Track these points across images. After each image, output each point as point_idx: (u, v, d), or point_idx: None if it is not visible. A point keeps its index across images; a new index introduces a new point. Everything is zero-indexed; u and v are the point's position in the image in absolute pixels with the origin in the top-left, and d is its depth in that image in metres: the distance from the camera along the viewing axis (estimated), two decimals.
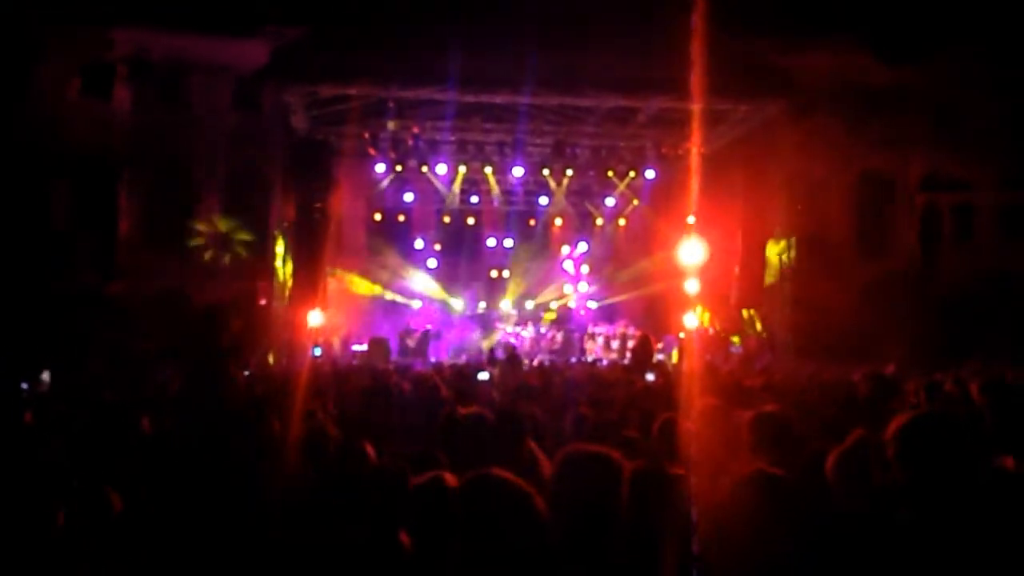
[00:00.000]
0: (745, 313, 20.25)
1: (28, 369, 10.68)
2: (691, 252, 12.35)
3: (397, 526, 3.15)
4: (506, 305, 24.47)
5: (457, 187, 23.12)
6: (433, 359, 20.41)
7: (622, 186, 23.66)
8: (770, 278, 19.76)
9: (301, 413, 5.33)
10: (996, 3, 15.20)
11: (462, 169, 22.09)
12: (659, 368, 13.65)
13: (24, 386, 9.78)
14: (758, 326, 19.89)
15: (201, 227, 17.39)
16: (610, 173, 22.33)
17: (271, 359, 17.19)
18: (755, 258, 20.12)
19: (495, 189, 23.28)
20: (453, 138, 21.21)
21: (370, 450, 4.48)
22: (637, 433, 5.16)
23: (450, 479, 3.12)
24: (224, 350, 14.87)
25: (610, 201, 24.43)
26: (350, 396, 8.48)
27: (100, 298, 15.59)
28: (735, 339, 20.07)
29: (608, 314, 23.99)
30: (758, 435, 4.25)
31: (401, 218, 24.34)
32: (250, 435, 4.66)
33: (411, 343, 21.27)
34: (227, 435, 4.28)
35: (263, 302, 17.97)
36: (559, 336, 22.77)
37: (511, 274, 25.07)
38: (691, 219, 15.18)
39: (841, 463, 3.89)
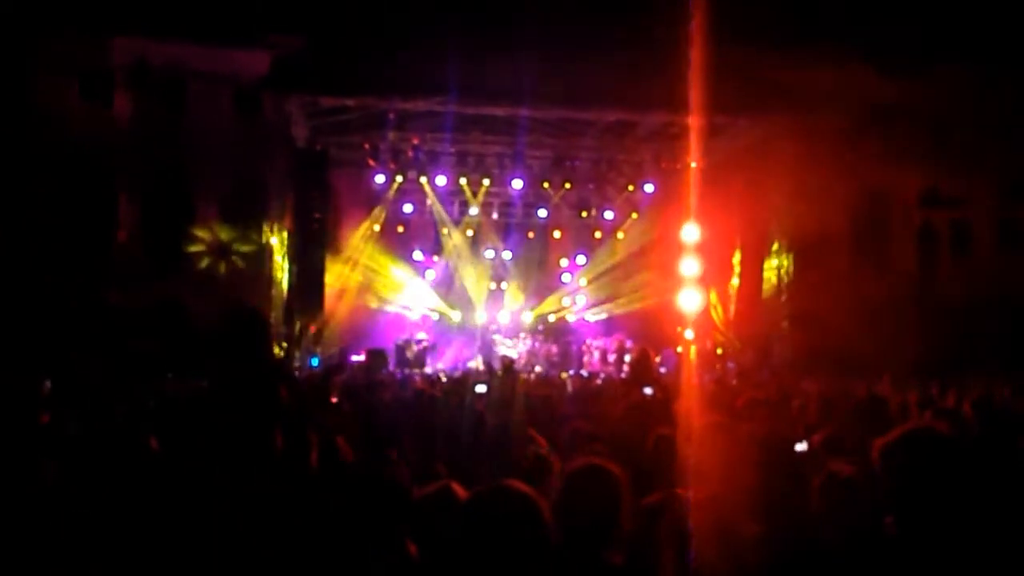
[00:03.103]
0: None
1: (27, 375, 10.63)
2: (690, 266, 12.37)
3: (404, 536, 3.16)
4: (504, 317, 24.46)
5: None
6: (430, 370, 20.39)
7: (620, 199, 23.75)
8: (768, 292, 19.79)
9: (303, 424, 5.31)
10: (995, 20, 15.29)
11: (463, 181, 22.18)
12: (659, 382, 13.63)
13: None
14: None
15: (200, 234, 17.38)
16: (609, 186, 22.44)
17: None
18: (753, 272, 20.17)
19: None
20: (453, 150, 21.27)
21: (373, 461, 4.49)
22: (634, 447, 5.15)
23: (458, 489, 3.13)
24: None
25: (609, 214, 24.49)
26: (350, 407, 8.46)
27: (97, 306, 15.58)
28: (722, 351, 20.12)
29: (606, 327, 23.99)
30: (766, 455, 4.26)
31: (400, 229, 24.35)
32: (255, 444, 4.63)
33: (410, 355, 21.24)
34: (237, 443, 4.27)
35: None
36: (556, 349, 22.76)
37: (509, 286, 25.08)
38: (690, 234, 15.21)
39: (824, 491, 3.91)
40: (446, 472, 4.49)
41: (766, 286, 19.82)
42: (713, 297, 20.78)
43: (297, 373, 16.58)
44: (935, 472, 2.79)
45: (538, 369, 21.32)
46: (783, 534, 3.28)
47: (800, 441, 5.73)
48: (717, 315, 20.94)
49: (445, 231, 24.26)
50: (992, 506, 3.11)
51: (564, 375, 18.46)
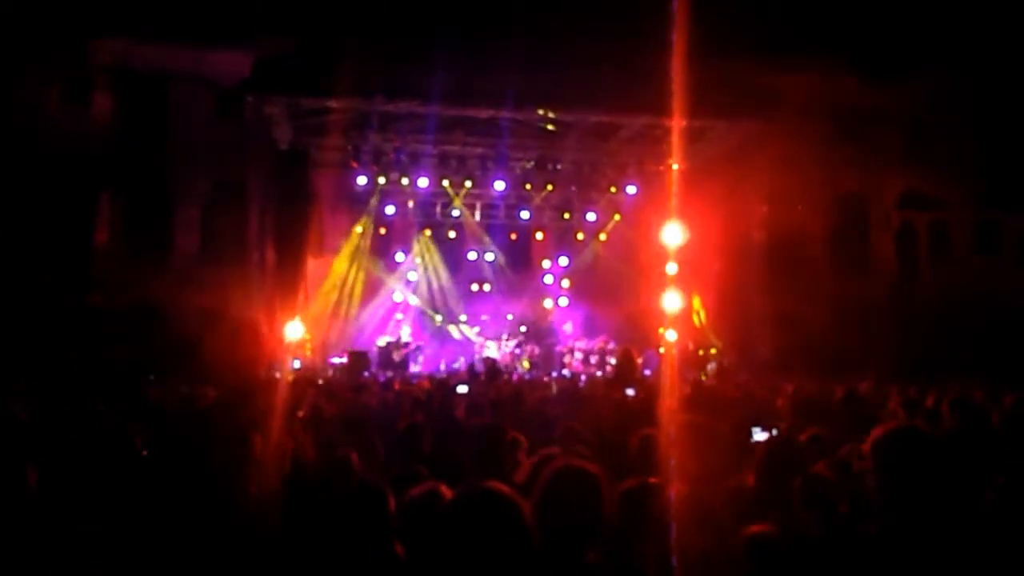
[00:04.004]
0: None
1: (2, 379, 10.57)
2: (671, 268, 12.42)
3: (391, 537, 3.19)
4: (486, 319, 24.47)
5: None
6: (412, 371, 20.38)
7: (603, 201, 23.84)
8: (749, 294, 19.89)
9: (284, 427, 5.32)
10: (972, 26, 15.46)
11: (446, 183, 22.22)
12: (641, 383, 13.68)
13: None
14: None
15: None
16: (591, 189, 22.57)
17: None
18: (734, 273, 20.27)
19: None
20: (435, 151, 21.28)
21: (356, 463, 4.51)
22: (617, 448, 5.19)
23: (445, 492, 3.17)
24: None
25: (591, 216, 24.56)
26: (331, 410, 8.45)
27: (77, 310, 15.47)
28: (713, 351, 20.20)
29: (588, 328, 24.04)
30: (768, 461, 4.32)
31: (382, 231, 24.32)
32: (230, 450, 4.63)
33: (393, 356, 21.19)
34: (210, 449, 4.28)
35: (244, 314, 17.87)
36: (538, 350, 22.78)
37: (492, 288, 25.09)
38: (673, 235, 15.26)
39: (805, 489, 3.96)
40: (427, 473, 4.50)
41: (747, 287, 19.92)
42: (696, 302, 20.86)
43: (278, 375, 16.49)
44: (925, 469, 2.83)
45: (523, 369, 21.37)
46: (765, 530, 3.31)
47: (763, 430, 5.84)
48: (699, 319, 21.04)
49: (428, 232, 24.29)
50: (976, 503, 3.15)
51: (546, 377, 18.49)
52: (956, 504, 2.82)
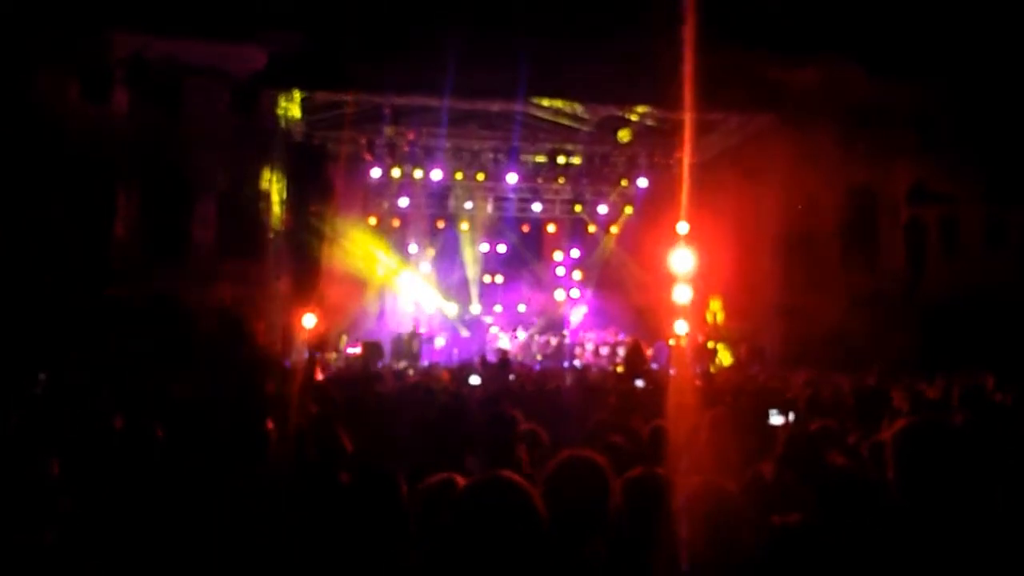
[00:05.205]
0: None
1: (24, 372, 10.73)
2: (682, 260, 12.53)
3: (404, 523, 3.27)
4: (499, 310, 24.62)
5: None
6: (425, 363, 20.51)
7: (614, 194, 23.88)
8: (759, 287, 19.89)
9: (299, 415, 5.43)
10: (981, 24, 15.46)
11: (459, 176, 22.33)
12: (650, 376, 13.78)
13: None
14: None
15: None
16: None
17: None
18: (745, 267, 20.28)
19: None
20: (448, 144, 21.37)
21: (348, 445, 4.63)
22: (626, 439, 5.27)
23: (460, 481, 3.23)
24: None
25: (603, 208, 24.62)
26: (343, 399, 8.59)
27: (96, 302, 15.64)
28: (720, 346, 20.20)
29: (600, 320, 24.12)
30: (787, 452, 4.40)
31: (396, 223, 24.48)
32: (246, 438, 4.71)
33: (407, 347, 21.29)
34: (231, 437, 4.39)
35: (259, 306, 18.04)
36: (551, 341, 22.90)
37: (504, 279, 25.23)
38: (682, 228, 15.35)
39: (825, 480, 4.04)
40: (437, 460, 4.57)
41: (757, 280, 19.92)
42: (715, 304, 20.80)
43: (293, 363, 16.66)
44: (946, 462, 2.87)
45: (534, 360, 21.49)
46: (793, 520, 3.35)
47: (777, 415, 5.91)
48: (714, 318, 21.00)
49: (440, 224, 24.43)
50: (996, 495, 3.19)
51: (557, 368, 18.60)
52: (977, 496, 2.83)
